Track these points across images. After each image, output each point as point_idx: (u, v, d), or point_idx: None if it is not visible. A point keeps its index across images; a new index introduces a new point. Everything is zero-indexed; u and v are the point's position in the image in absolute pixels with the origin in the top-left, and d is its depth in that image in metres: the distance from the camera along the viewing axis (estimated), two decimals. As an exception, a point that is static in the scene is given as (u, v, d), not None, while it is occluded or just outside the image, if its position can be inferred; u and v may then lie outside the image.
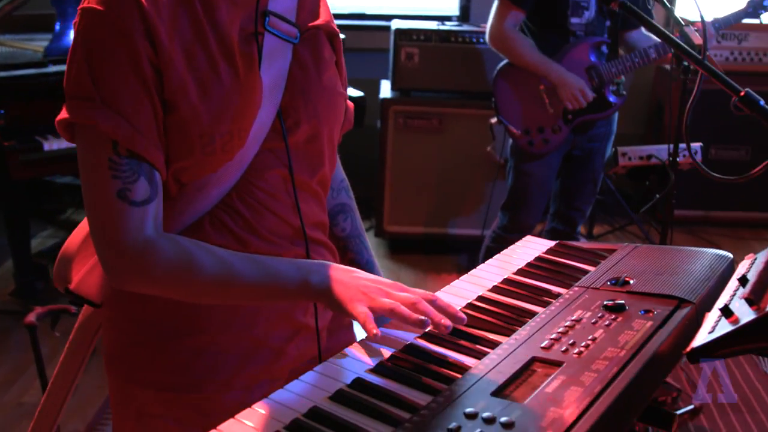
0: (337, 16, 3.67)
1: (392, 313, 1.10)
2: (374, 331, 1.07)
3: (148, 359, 1.28)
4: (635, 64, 3.00)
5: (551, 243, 1.47)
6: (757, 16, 2.90)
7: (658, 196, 2.66)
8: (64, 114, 1.14)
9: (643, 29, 3.10)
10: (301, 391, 0.98)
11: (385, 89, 4.30)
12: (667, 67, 4.72)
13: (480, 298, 1.24)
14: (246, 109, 1.19)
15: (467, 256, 4.23)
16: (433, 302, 1.13)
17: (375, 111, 4.20)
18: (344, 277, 1.16)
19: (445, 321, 1.10)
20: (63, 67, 1.17)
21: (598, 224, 4.64)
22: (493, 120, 3.33)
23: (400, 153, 4.16)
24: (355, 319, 1.11)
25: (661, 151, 2.77)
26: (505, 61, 3.12)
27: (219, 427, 0.91)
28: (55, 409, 1.42)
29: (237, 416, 0.93)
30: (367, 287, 1.14)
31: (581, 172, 3.21)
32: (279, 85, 1.26)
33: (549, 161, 3.13)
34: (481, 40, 3.97)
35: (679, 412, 1.08)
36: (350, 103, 1.50)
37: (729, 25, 2.92)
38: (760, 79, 4.44)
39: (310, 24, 1.33)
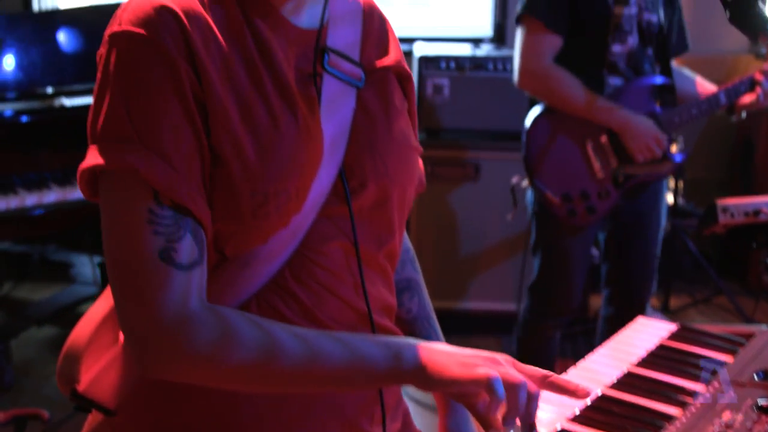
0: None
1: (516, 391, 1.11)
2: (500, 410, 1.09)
3: None
4: (702, 112, 2.97)
5: (671, 326, 1.50)
6: None
7: None
8: (92, 160, 1.13)
9: (673, 63, 3.09)
10: None
11: (407, 129, 4.33)
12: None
13: (602, 398, 1.26)
14: (307, 162, 1.21)
15: (508, 338, 4.24)
16: (552, 384, 1.16)
17: (395, 157, 4.23)
18: (440, 348, 1.17)
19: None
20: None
21: (675, 295, 4.66)
22: (520, 181, 3.24)
23: (425, 209, 4.20)
24: (475, 385, 1.11)
25: (771, 205, 2.80)
26: (541, 107, 3.03)
27: None
28: None
29: None
30: (470, 357, 1.15)
31: (636, 241, 3.14)
32: (341, 138, 1.28)
33: (590, 232, 3.08)
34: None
35: None
36: (420, 160, 1.53)
37: None
38: None
39: (377, 63, 1.36)
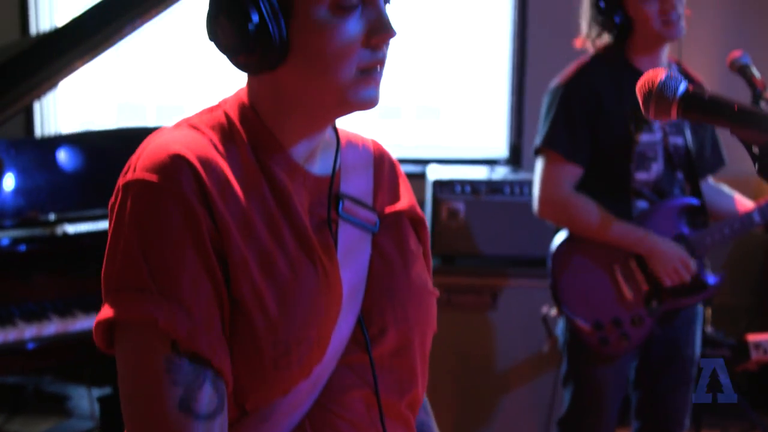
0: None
1: None
2: None
3: None
4: (734, 232, 2.93)
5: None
6: None
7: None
8: (109, 312, 1.15)
9: (711, 180, 3.11)
10: None
11: (422, 256, 4.33)
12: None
13: None
14: (327, 310, 1.22)
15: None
16: None
17: (408, 285, 4.21)
18: None
19: None
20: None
21: (707, 429, 4.56)
22: (549, 310, 3.20)
23: (442, 340, 4.10)
24: None
25: (807, 340, 2.75)
26: (566, 233, 3.01)
27: None
28: None
29: None
30: None
31: (670, 370, 3.07)
32: (360, 284, 1.30)
33: (624, 362, 3.02)
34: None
35: None
36: None
37: None
38: None
39: (389, 209, 1.39)
